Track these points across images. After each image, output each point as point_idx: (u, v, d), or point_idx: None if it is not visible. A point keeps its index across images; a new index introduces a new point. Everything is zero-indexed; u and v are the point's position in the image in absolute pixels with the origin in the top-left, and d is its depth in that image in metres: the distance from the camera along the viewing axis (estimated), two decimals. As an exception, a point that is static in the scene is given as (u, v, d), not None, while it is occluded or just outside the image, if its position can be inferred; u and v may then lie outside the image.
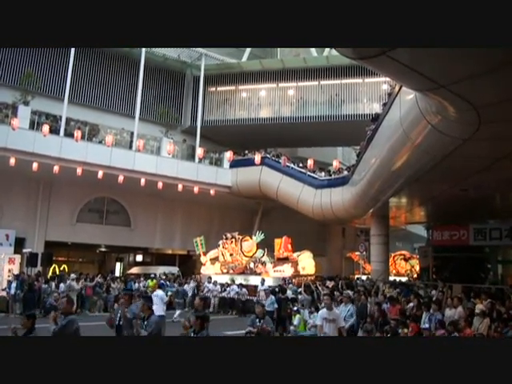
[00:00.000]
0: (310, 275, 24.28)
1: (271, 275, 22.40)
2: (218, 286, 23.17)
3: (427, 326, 10.69)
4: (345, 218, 27.98)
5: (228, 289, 22.77)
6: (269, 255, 23.63)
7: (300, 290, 19.54)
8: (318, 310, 13.47)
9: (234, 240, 24.57)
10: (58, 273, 25.40)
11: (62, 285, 20.24)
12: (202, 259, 25.76)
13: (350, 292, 16.37)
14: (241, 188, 29.63)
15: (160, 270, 27.51)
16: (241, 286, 22.62)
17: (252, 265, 23.54)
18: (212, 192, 28.52)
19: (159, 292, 13.90)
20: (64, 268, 29.22)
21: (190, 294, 22.14)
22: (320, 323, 9.03)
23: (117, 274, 31.50)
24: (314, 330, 13.21)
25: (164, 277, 25.46)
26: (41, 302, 19.83)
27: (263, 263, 23.18)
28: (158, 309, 12.85)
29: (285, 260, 23.57)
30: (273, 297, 16.81)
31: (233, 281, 23.45)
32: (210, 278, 23.98)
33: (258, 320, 8.87)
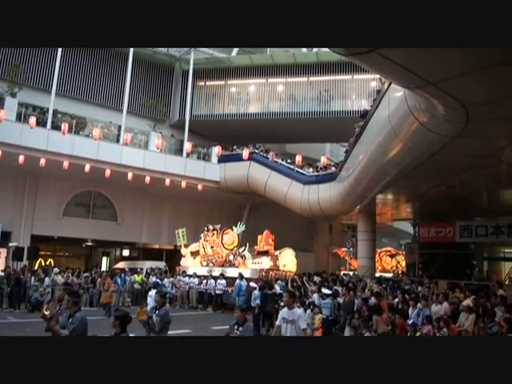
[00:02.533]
0: (291, 272, 24.23)
1: (249, 267, 22.30)
2: (197, 279, 22.99)
3: (413, 321, 10.75)
4: (332, 214, 28.07)
5: (204, 281, 22.59)
6: (250, 250, 23.56)
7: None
8: (303, 305, 13.60)
9: (215, 232, 24.45)
10: (43, 267, 25.21)
11: (46, 279, 20.10)
12: (183, 251, 25.65)
13: (338, 288, 16.42)
14: (229, 183, 29.60)
15: (147, 264, 27.36)
16: (221, 275, 22.46)
17: (231, 257, 23.46)
18: (200, 187, 28.45)
19: (153, 292, 12.52)
20: (50, 262, 29.05)
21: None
22: (278, 323, 8.11)
23: (103, 268, 31.30)
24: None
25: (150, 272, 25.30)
26: (27, 296, 19.67)
27: (243, 256, 23.08)
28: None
29: (264, 253, 23.50)
30: (256, 292, 16.79)
31: (210, 274, 23.21)
32: (184, 272, 23.87)
33: (236, 327, 7.63)
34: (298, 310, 8.21)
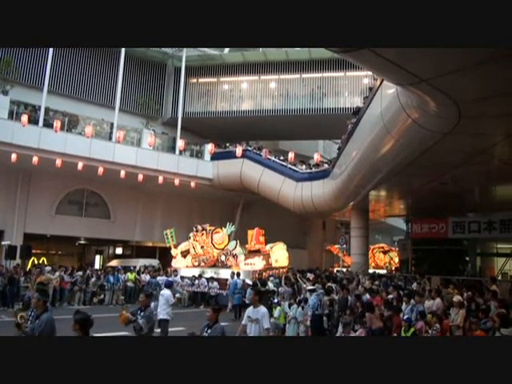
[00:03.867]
0: (283, 267, 24.20)
1: (242, 268, 22.20)
2: (186, 280, 22.91)
3: (408, 317, 10.80)
4: (325, 211, 28.11)
5: (197, 282, 22.52)
6: (242, 247, 23.51)
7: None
8: (296, 301, 13.71)
9: (204, 232, 24.33)
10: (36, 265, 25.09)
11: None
12: (173, 252, 25.58)
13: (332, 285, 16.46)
14: (222, 181, 29.58)
15: (140, 262, 27.31)
16: (212, 279, 22.42)
17: (223, 257, 23.36)
18: (193, 184, 28.42)
19: (166, 292, 12.01)
20: (43, 261, 28.93)
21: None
22: (244, 322, 7.86)
23: (96, 266, 31.20)
24: (294, 322, 13.33)
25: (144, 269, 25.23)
26: (20, 295, 19.55)
27: (234, 256, 22.98)
28: (162, 312, 11.42)
29: (256, 252, 23.43)
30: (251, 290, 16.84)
31: (200, 275, 23.10)
32: (175, 271, 23.83)
33: (206, 329, 7.18)
34: (262, 309, 7.83)
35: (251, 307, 7.92)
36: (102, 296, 22.30)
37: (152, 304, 19.12)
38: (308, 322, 13.02)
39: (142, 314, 8.02)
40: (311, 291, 14.02)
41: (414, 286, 17.03)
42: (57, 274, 20.98)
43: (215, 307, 7.58)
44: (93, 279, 22.26)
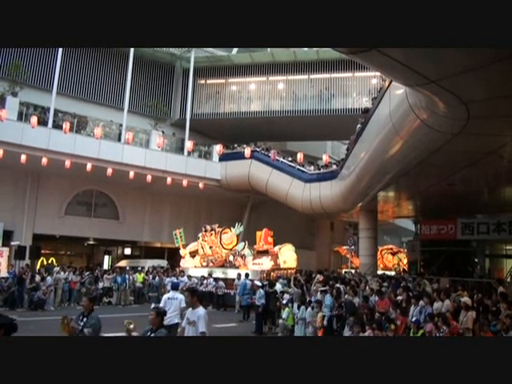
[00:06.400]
0: (292, 268, 24.18)
1: (250, 268, 22.23)
2: (194, 279, 22.92)
3: (416, 318, 10.74)
4: (333, 212, 28.06)
5: (205, 282, 22.57)
6: (250, 248, 23.54)
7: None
8: (304, 303, 13.70)
9: (213, 232, 24.39)
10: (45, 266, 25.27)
11: (48, 278, 20.09)
12: (182, 252, 25.65)
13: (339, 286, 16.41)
14: (230, 181, 29.61)
15: (149, 263, 27.41)
16: (217, 279, 22.55)
17: (231, 258, 23.41)
18: (201, 185, 28.48)
19: (179, 295, 10.87)
20: (52, 261, 29.11)
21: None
22: (183, 325, 7.33)
23: (105, 267, 31.35)
24: (302, 323, 13.33)
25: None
26: (29, 295, 19.65)
27: (243, 256, 23.03)
28: (177, 315, 10.44)
29: (264, 253, 23.45)
30: (261, 291, 16.87)
31: (210, 274, 23.28)
32: (182, 271, 23.88)
33: (149, 333, 6.62)
34: (200, 311, 7.15)
35: (190, 309, 7.34)
36: (109, 299, 22.42)
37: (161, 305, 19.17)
38: (318, 324, 12.99)
39: (86, 320, 7.24)
40: (324, 292, 14.00)
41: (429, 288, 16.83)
42: (64, 273, 21.20)
43: (159, 310, 6.99)
44: (109, 276, 22.71)
